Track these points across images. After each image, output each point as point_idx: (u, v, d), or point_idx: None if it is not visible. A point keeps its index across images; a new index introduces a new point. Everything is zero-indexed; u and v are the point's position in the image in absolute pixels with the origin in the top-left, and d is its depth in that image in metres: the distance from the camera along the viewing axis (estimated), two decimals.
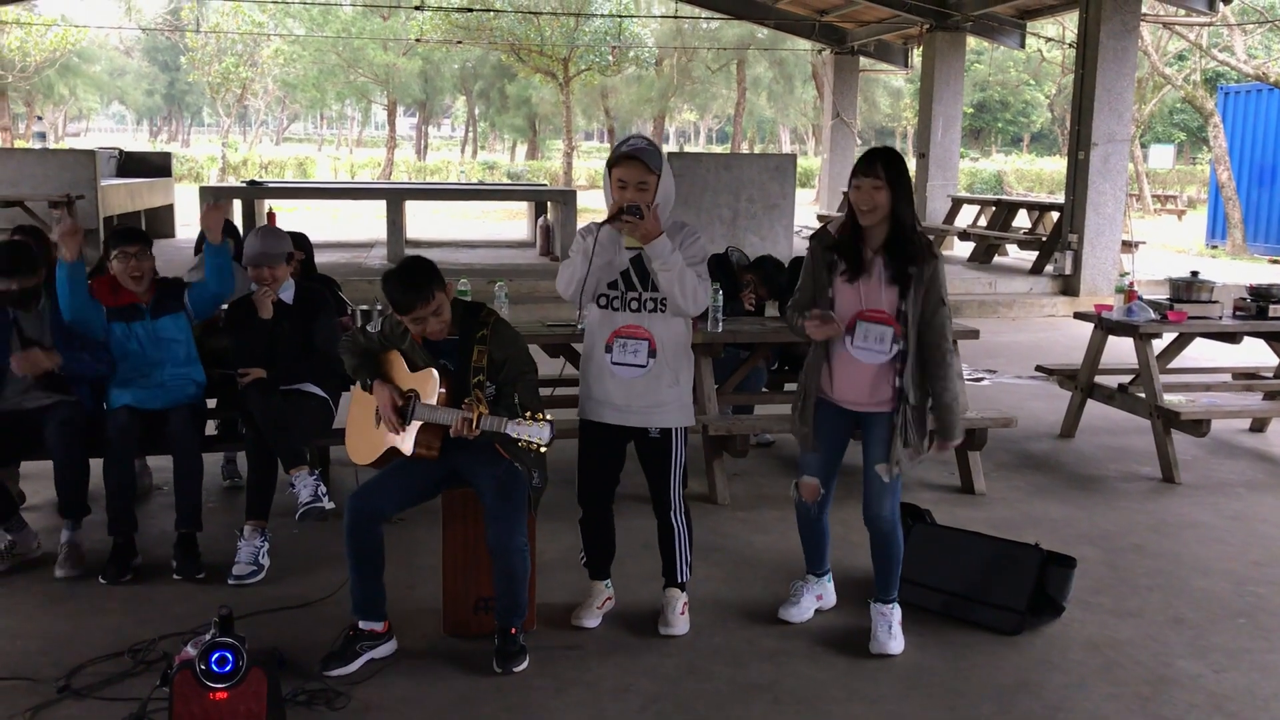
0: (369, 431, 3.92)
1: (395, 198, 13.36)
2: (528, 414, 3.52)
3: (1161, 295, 6.81)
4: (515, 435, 3.50)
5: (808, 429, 3.87)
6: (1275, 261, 18.24)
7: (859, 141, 20.41)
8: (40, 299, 4.58)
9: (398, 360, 3.90)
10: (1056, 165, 40.36)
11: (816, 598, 4.17)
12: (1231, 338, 6.67)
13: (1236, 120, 20.36)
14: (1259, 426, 7.12)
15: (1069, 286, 12.54)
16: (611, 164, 3.74)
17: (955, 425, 3.77)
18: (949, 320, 3.73)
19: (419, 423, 3.71)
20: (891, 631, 3.88)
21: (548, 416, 3.51)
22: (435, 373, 3.74)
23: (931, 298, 3.65)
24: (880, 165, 3.60)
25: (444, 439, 3.72)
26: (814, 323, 3.69)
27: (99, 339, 4.56)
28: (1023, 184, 38.20)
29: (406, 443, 3.74)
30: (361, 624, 3.72)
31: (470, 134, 58.38)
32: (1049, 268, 12.99)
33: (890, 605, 3.92)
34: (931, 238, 6.03)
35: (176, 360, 4.64)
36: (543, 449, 3.52)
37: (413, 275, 3.66)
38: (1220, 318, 6.46)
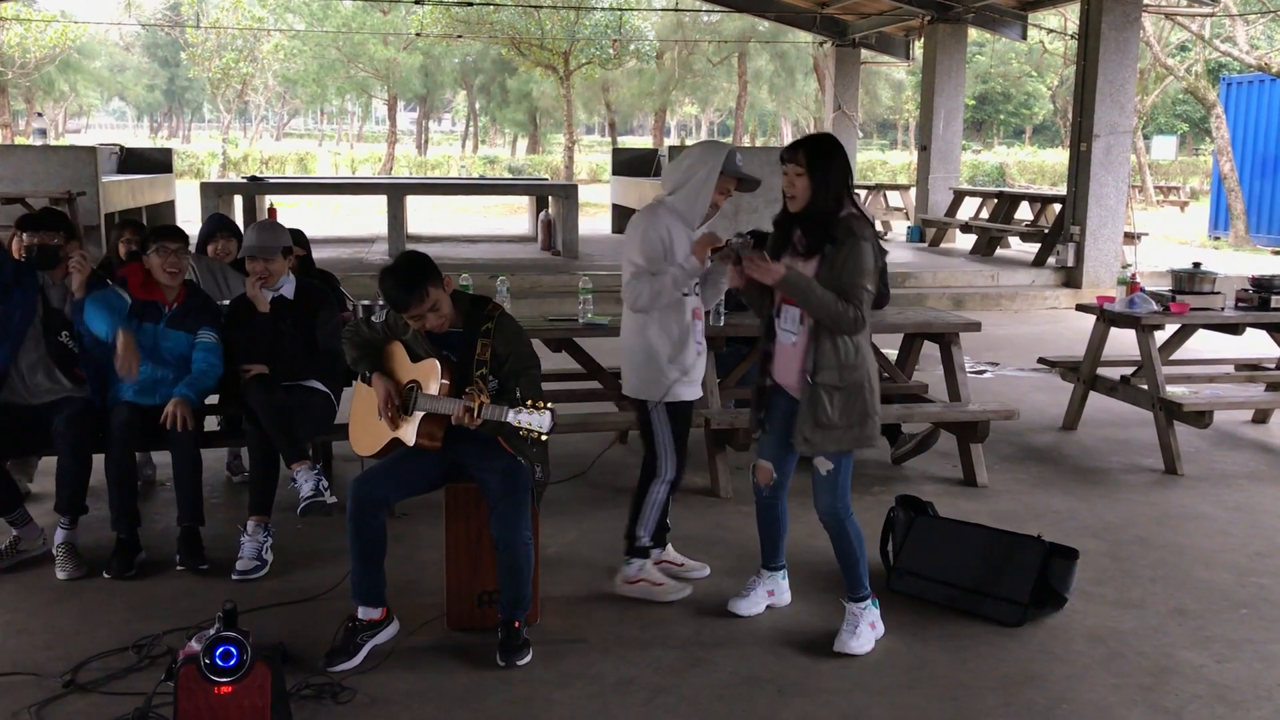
0: (372, 423, 3.93)
1: (396, 193, 13.34)
2: (528, 402, 3.53)
3: (1164, 287, 6.80)
4: (516, 424, 3.51)
5: (754, 413, 3.99)
6: (1278, 253, 18.22)
7: (860, 134, 20.39)
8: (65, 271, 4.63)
9: (399, 351, 3.90)
10: (1059, 157, 40.31)
11: (768, 593, 4.14)
12: (1234, 329, 6.66)
13: (1239, 111, 20.33)
14: (1261, 418, 7.12)
15: (1071, 278, 12.54)
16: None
17: (802, 286, 3.60)
18: (860, 304, 3.60)
19: (421, 413, 3.72)
20: (856, 631, 3.81)
21: (549, 405, 3.52)
22: (437, 363, 3.75)
23: (844, 278, 3.59)
24: (802, 152, 3.64)
25: (447, 430, 3.72)
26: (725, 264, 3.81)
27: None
28: (1025, 176, 38.17)
29: (409, 434, 3.75)
30: (360, 613, 3.73)
31: (471, 128, 58.37)
32: (1051, 260, 12.99)
33: (859, 604, 3.85)
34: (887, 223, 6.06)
35: (178, 372, 4.62)
36: (543, 437, 3.53)
37: (407, 273, 3.66)
38: (1223, 309, 6.46)
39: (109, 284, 4.66)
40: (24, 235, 4.62)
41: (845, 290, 3.60)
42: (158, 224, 4.76)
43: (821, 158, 3.63)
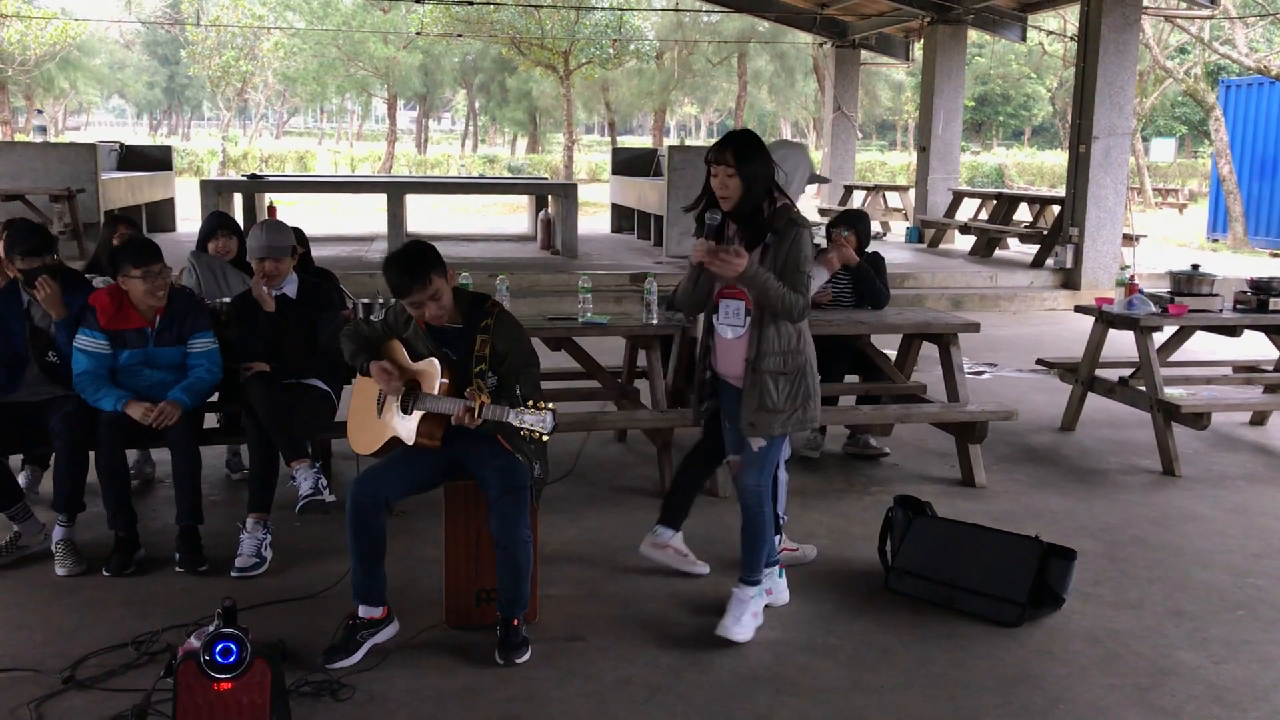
0: (371, 422, 3.93)
1: (396, 191, 13.34)
2: (530, 402, 3.53)
3: (1162, 288, 6.81)
4: (517, 424, 3.51)
5: (697, 404, 4.02)
6: (1276, 255, 18.25)
7: (860, 135, 20.39)
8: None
9: (398, 350, 3.91)
10: (1058, 159, 40.34)
11: (766, 592, 4.13)
12: (1232, 331, 6.67)
13: (1238, 113, 20.35)
14: (1259, 419, 7.13)
15: (1070, 280, 12.55)
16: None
17: (761, 279, 3.63)
18: (804, 291, 3.68)
19: (420, 412, 3.73)
20: (740, 620, 3.84)
21: (550, 405, 3.52)
22: (437, 362, 3.75)
23: (788, 266, 3.66)
24: (729, 152, 3.65)
25: (446, 429, 3.73)
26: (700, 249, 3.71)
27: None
28: (1024, 177, 38.20)
29: (409, 433, 3.76)
30: (361, 611, 3.74)
31: (471, 127, 58.37)
32: (1050, 261, 13.00)
33: (751, 589, 3.89)
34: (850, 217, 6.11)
35: (176, 375, 4.59)
36: (545, 437, 3.53)
37: (412, 259, 3.66)
38: (1221, 311, 6.46)
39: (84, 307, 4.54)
40: (17, 261, 4.52)
41: (789, 278, 3.67)
42: (154, 221, 4.66)
43: (749, 155, 3.67)
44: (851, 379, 6.26)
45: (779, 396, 3.73)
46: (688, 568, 4.40)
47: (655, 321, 5.51)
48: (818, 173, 4.35)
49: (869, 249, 6.12)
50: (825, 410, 6.06)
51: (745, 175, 3.65)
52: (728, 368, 3.87)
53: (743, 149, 3.66)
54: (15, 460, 5.06)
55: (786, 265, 3.66)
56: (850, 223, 6.10)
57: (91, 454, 4.46)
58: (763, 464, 3.85)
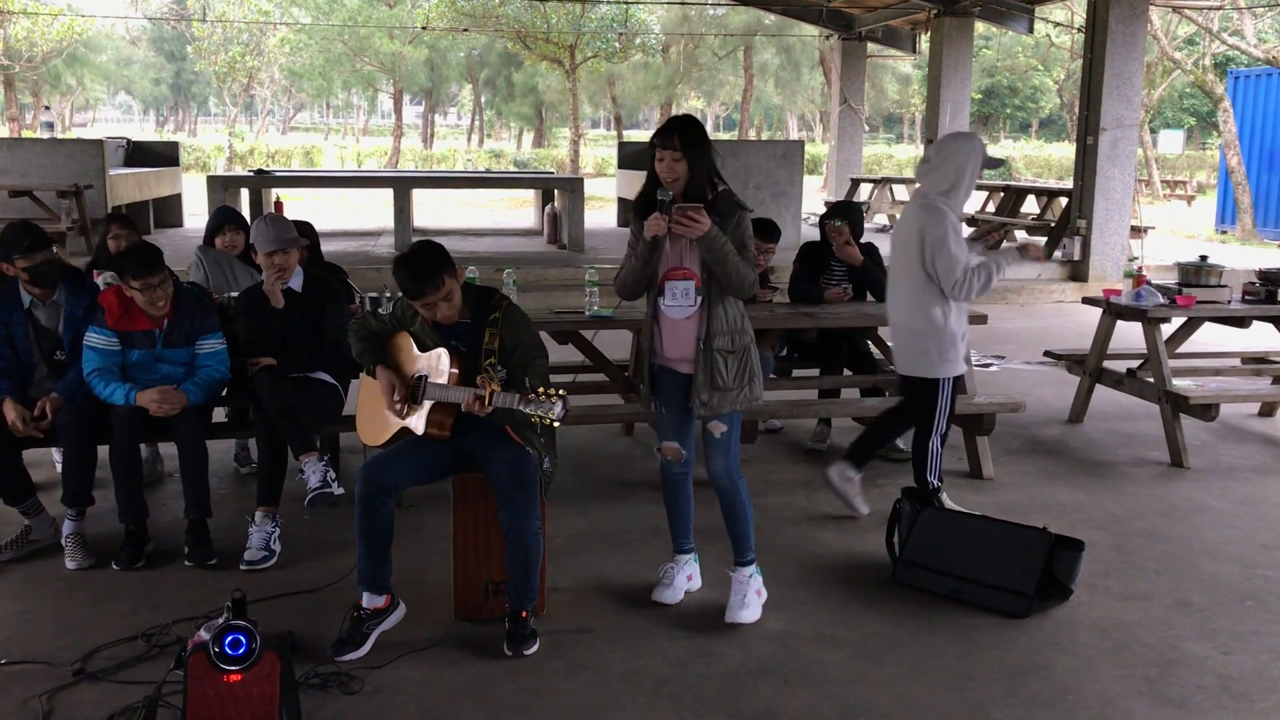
0: (379, 414, 3.94)
1: (403, 186, 13.35)
2: (540, 390, 3.54)
3: (1170, 280, 6.79)
4: (529, 411, 3.52)
5: (647, 390, 4.04)
6: None
7: (866, 128, 20.35)
8: (56, 287, 4.61)
9: (406, 341, 3.92)
10: (1065, 151, 40.21)
11: (687, 578, 4.19)
12: (1240, 322, 6.65)
13: (1246, 105, 20.25)
14: (1268, 411, 7.11)
15: (1077, 272, 12.51)
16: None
17: (721, 243, 3.69)
18: (752, 265, 3.79)
19: (430, 402, 3.73)
20: (745, 600, 3.94)
21: (561, 392, 3.53)
22: (446, 352, 3.76)
23: (734, 246, 3.72)
24: (676, 137, 3.71)
25: (455, 420, 3.74)
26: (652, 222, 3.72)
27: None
28: (1031, 170, 38.11)
29: (418, 423, 3.76)
30: (365, 602, 3.75)
31: (477, 122, 58.37)
32: (1057, 253, 12.96)
33: (746, 570, 3.98)
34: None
35: (186, 371, 4.60)
36: (555, 424, 3.54)
37: (423, 261, 3.67)
38: (1229, 302, 6.44)
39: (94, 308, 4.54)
40: (19, 262, 4.49)
41: (741, 255, 3.76)
42: (127, 252, 4.54)
43: (695, 140, 3.73)
44: (847, 374, 6.25)
45: (728, 375, 3.81)
46: (858, 506, 5.01)
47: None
48: (992, 157, 4.77)
49: (862, 240, 6.12)
50: (832, 403, 6.08)
51: (691, 159, 3.71)
52: (675, 350, 3.89)
53: (689, 134, 3.72)
54: (38, 452, 5.09)
55: (732, 245, 3.73)
56: (843, 214, 6.11)
57: (103, 448, 4.48)
58: (728, 449, 3.93)
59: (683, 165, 3.72)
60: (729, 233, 3.73)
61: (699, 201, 3.72)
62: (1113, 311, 6.53)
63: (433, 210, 20.78)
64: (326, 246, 6.00)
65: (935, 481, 4.81)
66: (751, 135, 45.54)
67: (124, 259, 4.46)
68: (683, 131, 3.72)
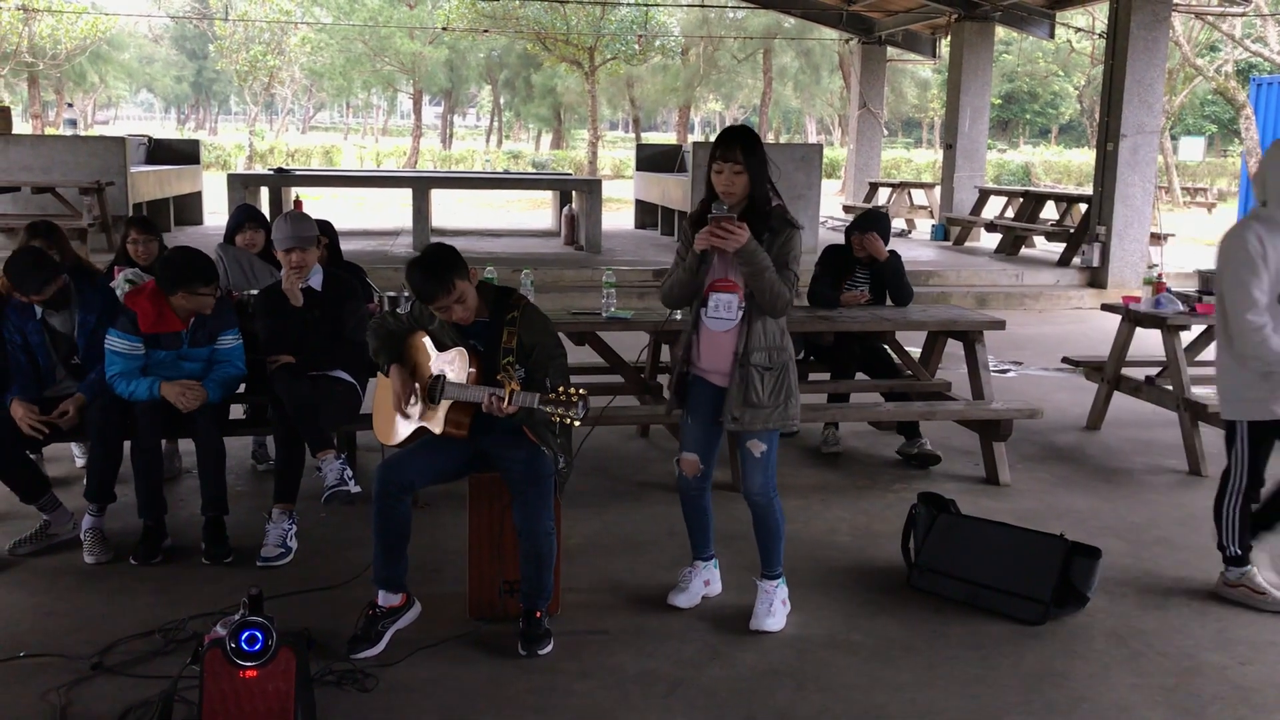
0: (396, 412, 3.95)
1: (421, 186, 13.39)
2: (560, 389, 3.54)
3: (1190, 287, 6.76)
4: (549, 411, 3.52)
5: (673, 398, 4.02)
6: None
7: (885, 132, 20.31)
8: (70, 300, 4.65)
9: (424, 342, 3.93)
10: (1085, 157, 40.05)
11: (704, 583, 4.18)
12: None
13: (1268, 111, 20.11)
14: None
15: (1096, 279, 12.46)
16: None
17: (760, 256, 3.64)
18: (791, 285, 3.74)
19: (449, 401, 3.74)
20: (771, 609, 3.95)
21: (582, 392, 3.53)
22: (465, 351, 3.77)
23: (777, 263, 3.68)
24: (739, 150, 3.67)
25: (473, 419, 3.75)
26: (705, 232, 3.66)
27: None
28: (1050, 175, 37.94)
29: (436, 422, 3.78)
30: (380, 600, 3.77)
31: (495, 123, 58.48)
32: (1076, 260, 12.91)
33: (773, 581, 3.99)
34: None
35: (205, 368, 4.65)
36: (576, 423, 3.54)
37: (434, 265, 3.68)
38: None
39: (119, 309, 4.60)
40: (35, 298, 4.50)
41: (779, 273, 3.70)
42: (184, 261, 4.57)
43: (755, 153, 3.70)
44: (861, 378, 6.23)
45: (764, 391, 3.77)
46: (1265, 606, 4.22)
47: (678, 317, 5.51)
48: None
49: (888, 248, 6.11)
50: (849, 407, 6.06)
51: (753, 172, 3.68)
52: (711, 363, 3.87)
53: (750, 147, 3.68)
54: (57, 447, 5.13)
55: (776, 262, 3.69)
56: (873, 224, 6.09)
57: (126, 444, 4.51)
58: (766, 466, 3.87)
59: (743, 178, 3.68)
60: (775, 249, 3.68)
61: (763, 215, 3.68)
62: (1132, 318, 6.50)
63: (451, 210, 20.84)
64: (345, 246, 6.02)
65: (1233, 549, 4.36)
66: (770, 138, 45.48)
67: (182, 271, 4.47)
68: (744, 145, 3.68)
